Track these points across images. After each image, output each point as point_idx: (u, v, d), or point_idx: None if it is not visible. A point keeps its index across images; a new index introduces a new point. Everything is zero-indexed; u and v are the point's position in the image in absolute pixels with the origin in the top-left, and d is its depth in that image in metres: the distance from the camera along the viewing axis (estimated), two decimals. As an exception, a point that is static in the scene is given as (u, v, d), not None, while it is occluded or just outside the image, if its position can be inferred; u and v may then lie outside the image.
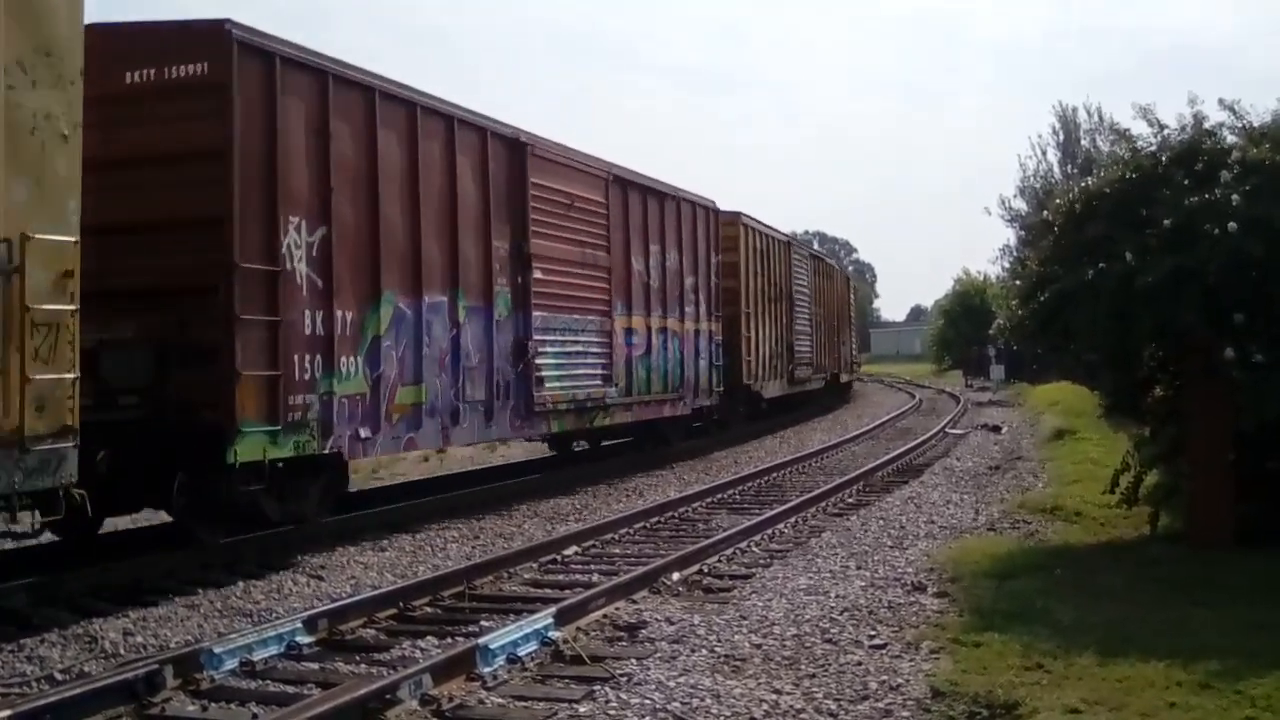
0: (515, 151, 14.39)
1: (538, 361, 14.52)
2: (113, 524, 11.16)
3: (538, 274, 14.63)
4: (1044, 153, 64.95)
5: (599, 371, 16.34)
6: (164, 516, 11.33)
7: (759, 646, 6.96)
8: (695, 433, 21.78)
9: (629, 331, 17.37)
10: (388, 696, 5.85)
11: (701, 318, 20.55)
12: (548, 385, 14.80)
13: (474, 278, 13.36)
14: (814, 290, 31.59)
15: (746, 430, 24.53)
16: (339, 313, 10.88)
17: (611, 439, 19.49)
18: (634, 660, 6.69)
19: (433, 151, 12.55)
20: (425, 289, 12.29)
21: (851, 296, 43.17)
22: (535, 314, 14.56)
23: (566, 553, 10.47)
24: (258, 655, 6.80)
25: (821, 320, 32.68)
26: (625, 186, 17.52)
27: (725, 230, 22.44)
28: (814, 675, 6.37)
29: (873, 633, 7.26)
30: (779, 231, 27.31)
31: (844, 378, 39.20)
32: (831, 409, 33.70)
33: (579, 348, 15.80)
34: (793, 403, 29.55)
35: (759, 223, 25.29)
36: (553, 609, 7.46)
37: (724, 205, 25.80)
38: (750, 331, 23.74)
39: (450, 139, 12.89)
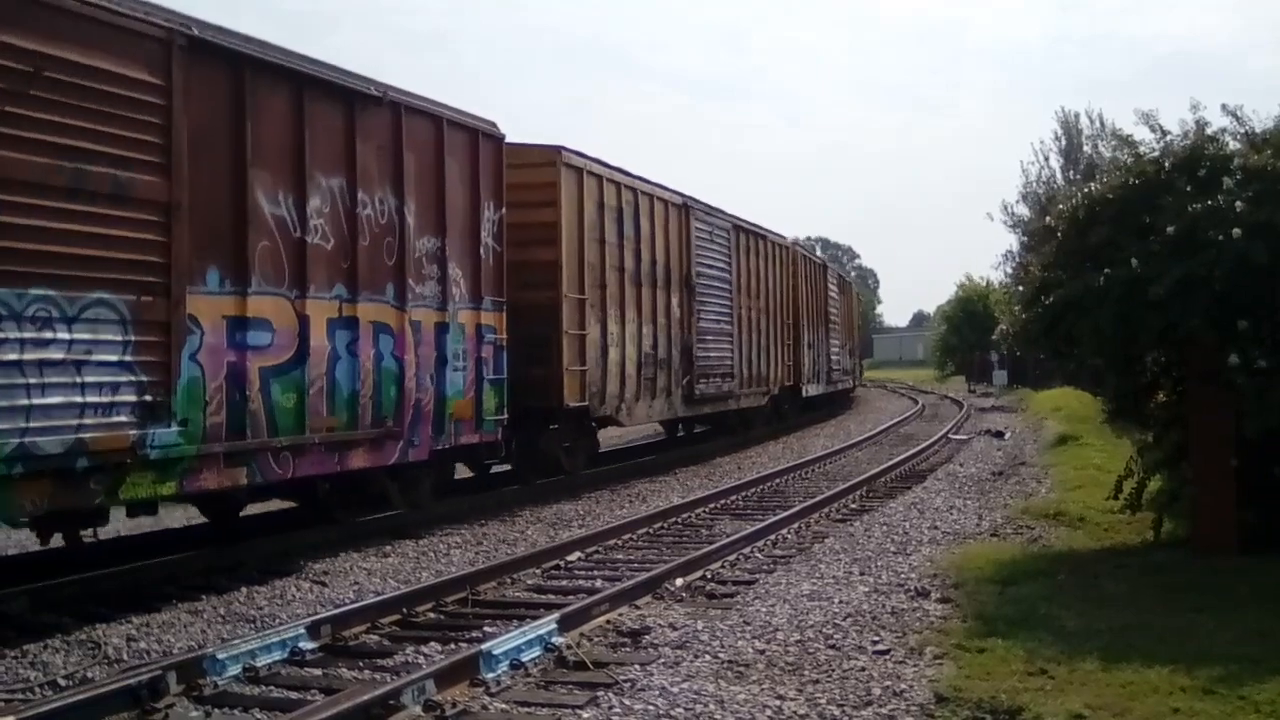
0: None
1: None
2: (116, 529, 11.17)
3: None
4: (1046, 158, 65.16)
5: (119, 397, 8.61)
6: (169, 521, 11.34)
7: (762, 652, 6.96)
8: (468, 487, 15.15)
9: (240, 323, 9.72)
10: (391, 702, 5.86)
11: (457, 302, 12.79)
12: None
13: None
14: (740, 274, 23.16)
15: (745, 439, 23.96)
16: None
17: (294, 493, 11.89)
18: (637, 666, 6.69)
19: None
20: None
21: (830, 286, 33.83)
22: None
23: (570, 558, 10.47)
24: (261, 661, 6.80)
25: (758, 316, 24.34)
26: (239, 67, 9.77)
27: (529, 175, 15.02)
28: (817, 681, 6.37)
29: (876, 638, 7.25)
30: (662, 187, 19.18)
31: (813, 390, 30.25)
32: (822, 422, 31.34)
33: (40, 354, 8.02)
34: (723, 424, 23.57)
35: (606, 167, 16.81)
36: (556, 615, 7.46)
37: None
38: (584, 327, 15.87)
39: None
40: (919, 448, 21.10)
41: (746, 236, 23.95)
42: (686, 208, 20.28)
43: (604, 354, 16.54)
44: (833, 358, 33.74)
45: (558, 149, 15.53)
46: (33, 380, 7.99)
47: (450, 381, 12.62)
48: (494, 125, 13.77)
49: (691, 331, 20.20)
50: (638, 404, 17.89)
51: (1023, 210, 63.17)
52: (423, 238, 12.25)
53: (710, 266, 21.39)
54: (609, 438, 21.53)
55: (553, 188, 15.34)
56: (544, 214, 15.21)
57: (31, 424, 7.92)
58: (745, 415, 24.32)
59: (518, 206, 14.41)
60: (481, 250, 13.35)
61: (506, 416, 13.72)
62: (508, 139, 14.10)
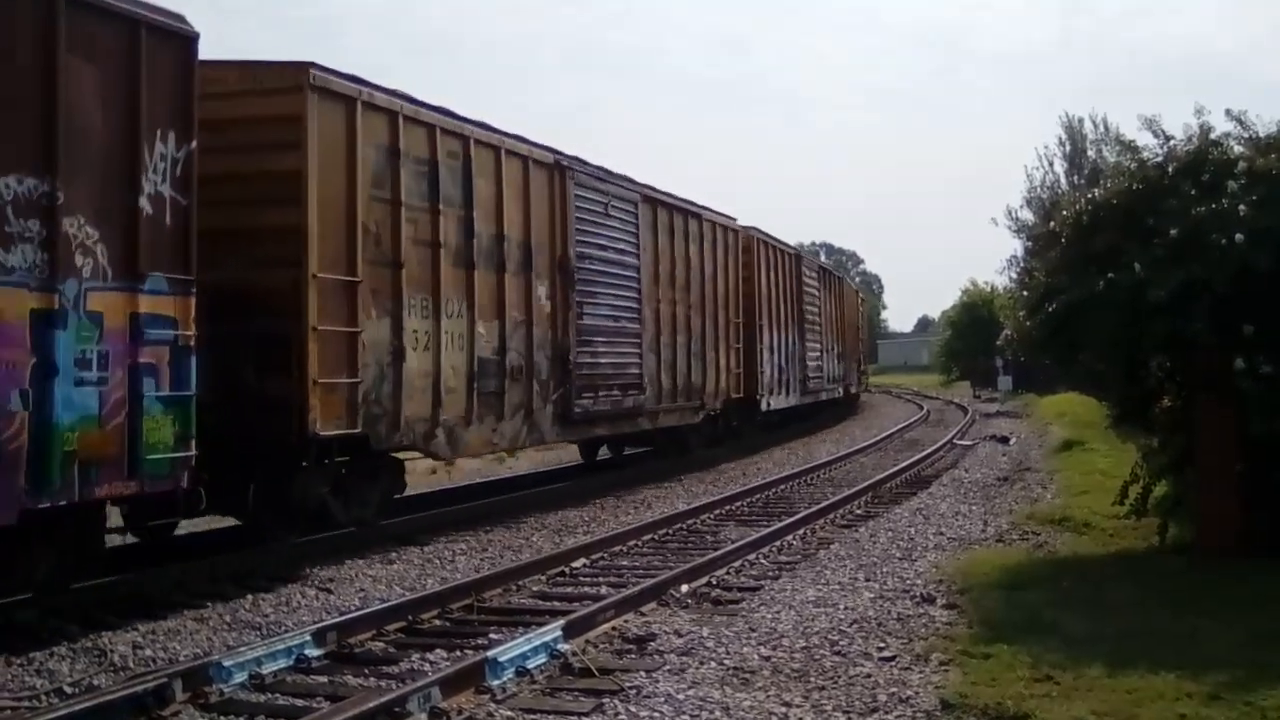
0: None
1: None
2: (118, 536, 11.17)
3: None
4: (1050, 163, 64.99)
5: None
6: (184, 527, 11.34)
7: (768, 659, 6.96)
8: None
9: None
10: (396, 709, 5.87)
11: (88, 279, 8.07)
12: None
13: None
14: (658, 260, 18.41)
15: (742, 446, 23.79)
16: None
17: None
18: (643, 673, 6.69)
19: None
20: None
21: (807, 280, 29.27)
22: None
23: (575, 565, 10.47)
24: (267, 668, 6.82)
25: (688, 313, 19.61)
26: None
27: (262, 104, 10.72)
28: (823, 687, 6.37)
29: (882, 645, 7.25)
30: (520, 139, 14.46)
31: (777, 402, 25.58)
32: (827, 428, 30.86)
33: None
34: (630, 449, 19.92)
35: (407, 101, 12.06)
36: (561, 622, 7.47)
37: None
38: (355, 322, 11.12)
39: None
40: (924, 453, 21.09)
41: (668, 213, 18.88)
42: (560, 168, 15.27)
43: (397, 360, 11.74)
44: (810, 364, 28.92)
45: (305, 66, 10.70)
46: None
47: (68, 402, 7.87)
48: (178, 19, 8.95)
49: (568, 331, 15.38)
50: (470, 429, 13.05)
51: (1027, 215, 63.08)
52: (7, 177, 7.55)
53: (604, 248, 16.60)
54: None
55: (296, 123, 10.59)
56: (283, 159, 10.60)
57: None
58: (677, 434, 19.86)
59: (243, 151, 10.48)
60: (144, 202, 8.60)
61: (194, 453, 8.96)
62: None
